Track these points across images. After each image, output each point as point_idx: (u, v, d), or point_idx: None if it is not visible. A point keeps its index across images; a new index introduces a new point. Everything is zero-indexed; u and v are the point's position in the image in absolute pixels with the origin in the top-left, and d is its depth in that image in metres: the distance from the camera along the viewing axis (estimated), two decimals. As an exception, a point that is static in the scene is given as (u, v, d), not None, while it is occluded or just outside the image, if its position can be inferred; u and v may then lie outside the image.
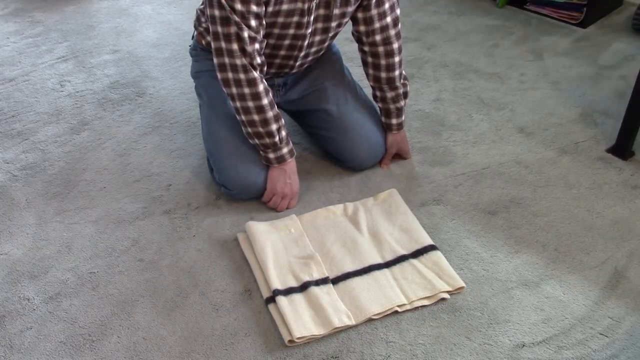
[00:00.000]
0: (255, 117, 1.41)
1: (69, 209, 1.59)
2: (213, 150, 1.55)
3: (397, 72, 1.58)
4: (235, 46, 1.34)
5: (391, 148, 1.69)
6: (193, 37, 1.66)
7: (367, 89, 1.71)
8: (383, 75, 1.58)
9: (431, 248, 1.41)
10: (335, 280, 1.34)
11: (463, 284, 1.33)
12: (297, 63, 1.55)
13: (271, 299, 1.30)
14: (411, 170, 1.69)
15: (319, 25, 1.45)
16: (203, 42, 1.60)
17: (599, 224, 1.50)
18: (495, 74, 2.11)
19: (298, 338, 1.21)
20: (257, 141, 1.46)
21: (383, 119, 1.67)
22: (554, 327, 1.26)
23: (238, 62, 1.36)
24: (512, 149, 1.76)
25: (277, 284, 1.32)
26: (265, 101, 1.40)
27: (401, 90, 1.62)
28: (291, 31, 1.42)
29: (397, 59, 1.56)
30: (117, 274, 1.40)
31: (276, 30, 1.41)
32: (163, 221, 1.54)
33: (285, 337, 1.23)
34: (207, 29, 1.54)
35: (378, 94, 1.63)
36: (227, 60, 1.36)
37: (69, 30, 2.49)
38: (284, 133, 1.47)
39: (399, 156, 1.73)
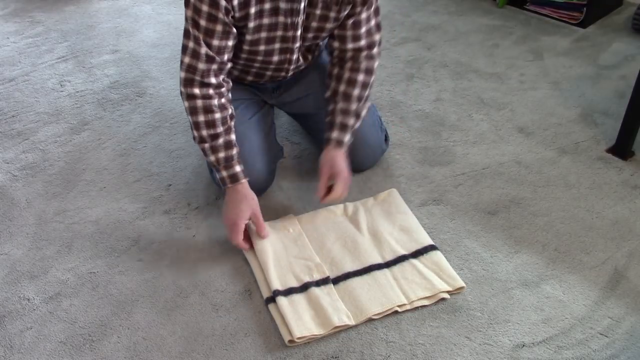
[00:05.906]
0: (195, 133, 1.38)
1: (69, 209, 1.59)
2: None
3: (356, 91, 1.46)
4: (186, 59, 1.33)
5: (323, 167, 1.44)
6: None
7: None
8: (342, 88, 1.47)
9: (431, 248, 1.41)
10: (336, 280, 1.34)
11: (463, 284, 1.33)
12: (289, 74, 1.54)
13: (271, 299, 1.30)
14: (411, 170, 1.69)
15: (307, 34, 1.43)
16: None
17: (599, 224, 1.50)
18: (495, 74, 2.11)
19: (298, 338, 1.21)
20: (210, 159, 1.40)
21: (325, 133, 1.48)
22: (554, 327, 1.26)
23: (182, 75, 1.35)
24: (512, 149, 1.76)
25: (277, 284, 1.32)
26: (201, 118, 1.36)
27: (354, 107, 1.46)
28: (277, 45, 1.41)
29: (361, 77, 1.46)
30: (117, 274, 1.40)
31: (262, 47, 1.40)
32: (163, 221, 1.54)
33: (285, 337, 1.23)
34: None
35: (330, 106, 1.49)
36: (179, 71, 1.37)
37: (69, 30, 2.49)
38: (234, 151, 1.39)
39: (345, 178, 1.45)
